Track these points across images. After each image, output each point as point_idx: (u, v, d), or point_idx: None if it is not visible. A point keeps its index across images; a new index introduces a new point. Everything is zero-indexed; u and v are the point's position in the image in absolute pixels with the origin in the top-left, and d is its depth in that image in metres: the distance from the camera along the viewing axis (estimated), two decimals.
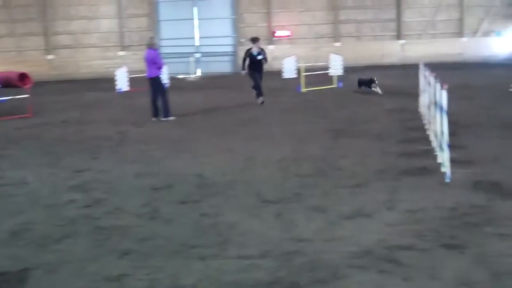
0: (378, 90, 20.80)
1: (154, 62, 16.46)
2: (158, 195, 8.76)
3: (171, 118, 16.49)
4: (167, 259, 6.28)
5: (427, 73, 13.43)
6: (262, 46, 19.42)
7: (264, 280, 5.61)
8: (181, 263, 6.13)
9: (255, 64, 18.63)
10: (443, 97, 9.13)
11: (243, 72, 18.70)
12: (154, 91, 16.53)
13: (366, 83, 21.45)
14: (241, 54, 35.22)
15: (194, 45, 33.47)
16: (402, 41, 35.08)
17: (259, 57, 18.66)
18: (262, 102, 18.66)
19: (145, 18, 33.98)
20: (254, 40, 19.11)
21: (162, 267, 6.06)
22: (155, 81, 16.60)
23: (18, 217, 7.91)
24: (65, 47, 34.74)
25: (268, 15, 34.22)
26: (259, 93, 18.76)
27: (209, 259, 6.22)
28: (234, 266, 5.98)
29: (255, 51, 18.70)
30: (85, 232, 7.25)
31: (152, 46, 16.82)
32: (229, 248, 6.50)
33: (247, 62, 18.57)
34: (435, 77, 11.02)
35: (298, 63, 25.04)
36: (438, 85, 10.04)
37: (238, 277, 5.72)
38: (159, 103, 16.55)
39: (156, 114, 16.57)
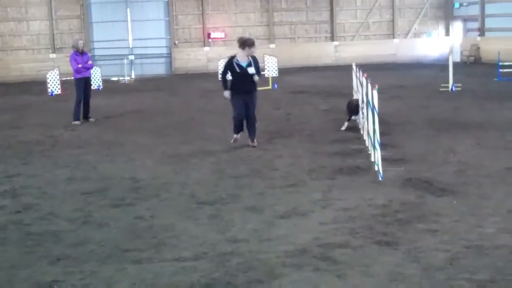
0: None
1: (75, 64, 16.23)
2: (91, 199, 8.61)
3: (75, 122, 16.18)
4: (101, 263, 6.17)
5: (360, 73, 13.66)
6: (255, 53, 12.18)
7: (199, 282, 5.58)
8: (115, 268, 6.04)
9: (243, 81, 11.83)
10: (374, 97, 9.30)
11: (226, 93, 12.01)
12: (77, 93, 16.37)
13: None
14: (177, 56, 35.29)
15: (127, 47, 33.04)
16: (336, 43, 35.51)
17: (251, 70, 11.83)
18: (235, 140, 12.23)
19: (77, 20, 33.30)
20: (245, 43, 11.93)
21: (95, 272, 5.95)
22: (74, 84, 16.42)
23: None
24: None
25: (203, 16, 34.12)
26: (239, 128, 12.21)
27: (144, 262, 6.15)
28: (169, 269, 5.93)
29: (243, 60, 11.90)
30: (15, 239, 7.06)
31: (73, 48, 16.55)
32: (164, 251, 6.44)
33: (229, 77, 12.11)
34: (367, 78, 11.21)
35: None
36: (369, 85, 10.23)
37: (173, 280, 5.68)
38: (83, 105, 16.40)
39: (83, 116, 16.35)
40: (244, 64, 11.86)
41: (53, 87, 24.94)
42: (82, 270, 6.01)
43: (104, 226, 7.38)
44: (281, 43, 34.90)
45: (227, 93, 12.03)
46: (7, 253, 6.61)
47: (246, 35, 34.35)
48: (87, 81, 16.51)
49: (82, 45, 16.54)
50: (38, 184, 9.63)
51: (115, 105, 20.05)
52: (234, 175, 9.76)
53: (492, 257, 5.92)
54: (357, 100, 13.40)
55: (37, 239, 6.98)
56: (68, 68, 25.84)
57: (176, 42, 33.78)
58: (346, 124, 13.55)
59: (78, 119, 16.23)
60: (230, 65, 12.00)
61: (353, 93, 16.40)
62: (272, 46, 34.30)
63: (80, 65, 16.11)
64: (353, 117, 13.45)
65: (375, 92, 9.26)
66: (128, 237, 6.95)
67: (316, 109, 17.33)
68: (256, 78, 11.94)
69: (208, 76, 29.27)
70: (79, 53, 16.29)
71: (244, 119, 12.11)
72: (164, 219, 7.54)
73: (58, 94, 24.33)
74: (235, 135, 12.26)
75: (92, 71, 24.02)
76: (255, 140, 12.13)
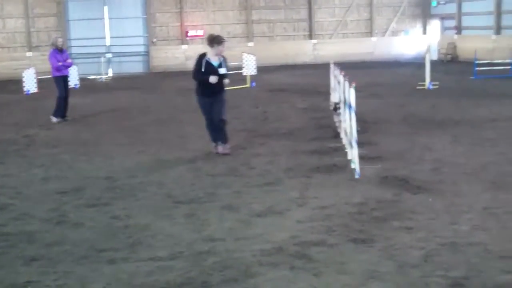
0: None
1: (50, 63, 16.19)
2: (67, 199, 8.53)
3: (54, 120, 16.14)
4: (76, 264, 6.11)
5: (337, 72, 13.69)
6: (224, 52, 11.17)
7: (175, 282, 5.55)
8: (90, 268, 5.99)
9: (212, 84, 10.80)
10: (351, 95, 9.33)
11: (213, 77, 10.80)
12: (57, 91, 16.30)
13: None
14: (154, 54, 35.08)
15: (105, 45, 32.85)
16: (314, 41, 35.62)
17: (222, 70, 10.92)
18: (216, 150, 11.23)
19: (53, 17, 33.04)
20: (213, 40, 10.87)
21: (70, 272, 5.90)
22: (54, 81, 16.31)
23: None
24: None
25: (181, 14, 34.01)
26: (217, 136, 11.25)
27: (119, 262, 6.10)
28: (144, 268, 5.89)
29: (214, 60, 10.92)
30: None
31: (53, 46, 16.44)
32: (139, 250, 6.40)
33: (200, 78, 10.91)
34: (344, 76, 11.25)
35: None
36: (346, 84, 10.26)
37: (148, 279, 5.64)
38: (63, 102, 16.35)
39: (61, 114, 16.31)
40: (215, 63, 10.92)
41: (29, 86, 24.70)
42: (56, 270, 5.95)
43: (80, 226, 7.32)
44: (259, 41, 34.93)
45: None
46: None
47: (224, 34, 34.73)
48: (65, 80, 16.41)
49: (61, 43, 16.41)
50: (13, 184, 9.53)
51: (92, 104, 19.92)
52: (211, 173, 9.73)
53: (466, 254, 5.96)
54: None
55: (12, 240, 6.90)
56: (45, 66, 25.65)
57: (155, 40, 33.64)
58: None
59: (59, 116, 16.19)
60: (201, 62, 10.90)
61: (330, 91, 16.44)
62: (251, 44, 34.32)
63: (60, 63, 16.03)
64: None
65: (352, 90, 9.28)
66: (104, 237, 6.89)
67: (294, 108, 17.35)
68: (226, 81, 11.11)
69: (186, 74, 29.09)
70: (59, 50, 16.19)
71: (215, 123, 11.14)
72: (140, 218, 7.50)
73: (34, 93, 24.11)
74: (213, 144, 11.33)
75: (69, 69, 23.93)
76: (227, 147, 11.14)
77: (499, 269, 5.56)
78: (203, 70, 10.84)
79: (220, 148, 11.14)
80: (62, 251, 6.48)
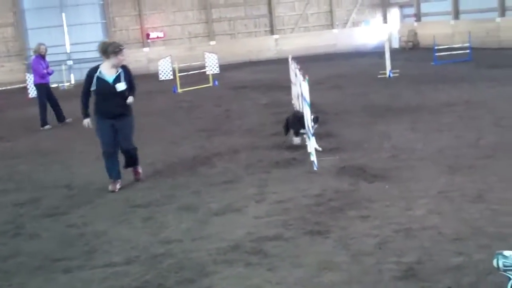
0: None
1: (34, 70, 16.31)
2: (24, 210, 8.42)
3: (46, 127, 16.22)
4: (31, 275, 6.04)
5: (294, 66, 13.72)
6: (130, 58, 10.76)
7: (130, 286, 5.52)
8: (45, 278, 5.93)
9: (110, 102, 8.92)
10: (304, 88, 9.36)
11: (85, 121, 9.27)
12: (39, 99, 16.38)
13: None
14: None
15: (65, 53, 32.49)
16: (276, 36, 35.64)
17: (120, 86, 8.89)
18: (113, 189, 8.99)
19: (10, 27, 32.62)
20: (107, 50, 8.85)
21: (24, 284, 5.84)
22: (37, 89, 16.50)
23: None
24: None
25: (140, 17, 33.79)
26: (111, 170, 9.18)
27: (75, 270, 6.04)
28: (100, 275, 5.85)
29: (110, 73, 8.92)
30: None
31: (35, 53, 16.50)
32: (95, 257, 6.34)
33: (92, 97, 9.08)
34: (300, 69, 11.28)
35: (173, 64, 24.90)
36: (302, 77, 10.29)
37: (103, 285, 5.60)
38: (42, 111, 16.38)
39: (58, 120, 16.58)
40: (110, 78, 8.84)
41: None
42: (11, 283, 5.88)
43: (35, 237, 7.23)
44: (221, 39, 34.87)
45: (86, 121, 9.19)
46: None
47: (185, 34, 34.68)
48: (47, 87, 16.50)
49: (44, 50, 16.41)
50: None
51: (52, 113, 19.65)
52: (171, 175, 9.68)
53: (420, 239, 6.02)
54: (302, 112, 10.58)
55: None
56: (3, 77, 25.25)
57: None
58: (295, 138, 10.94)
59: (46, 124, 16.28)
60: (91, 79, 8.88)
61: (292, 86, 16.46)
62: (212, 43, 34.24)
63: (45, 71, 16.10)
64: (301, 131, 10.66)
65: (305, 84, 9.31)
66: (60, 246, 6.82)
67: (256, 104, 17.35)
68: (130, 99, 9.01)
69: (149, 77, 28.99)
70: (42, 57, 16.21)
71: (118, 152, 9.23)
72: (97, 225, 7.43)
73: None
74: (111, 184, 9.06)
75: (31, 78, 23.73)
76: (139, 171, 9.48)
77: (451, 251, 5.62)
78: (94, 88, 8.89)
79: (118, 185, 9.04)
80: (17, 263, 6.40)
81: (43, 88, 16.30)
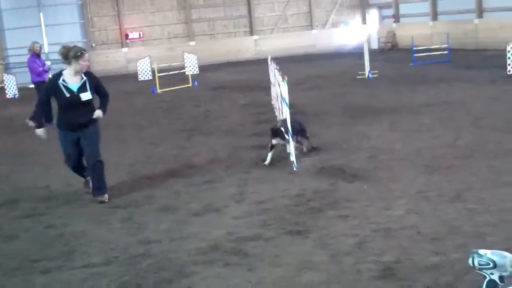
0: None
1: (30, 68, 16.36)
2: (2, 211, 8.34)
3: (31, 124, 15.98)
4: (8, 276, 5.99)
5: (273, 66, 13.74)
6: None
7: (109, 287, 5.49)
8: (23, 279, 5.88)
9: (73, 112, 8.25)
10: (283, 89, 9.38)
11: (39, 131, 8.78)
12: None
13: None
14: (95, 58, 34.40)
15: (43, 53, 32.18)
16: (255, 37, 35.65)
17: (85, 96, 8.23)
18: (102, 201, 8.31)
19: None
20: (67, 54, 8.12)
21: (2, 285, 5.78)
22: (35, 87, 16.46)
23: None
24: None
25: (119, 17, 33.62)
26: (80, 173, 8.90)
27: (54, 271, 6.00)
28: (78, 276, 5.81)
29: (73, 81, 8.21)
30: None
31: (30, 51, 16.49)
32: (74, 258, 6.30)
33: (53, 107, 8.49)
34: (279, 70, 11.30)
35: (153, 65, 24.80)
36: (280, 78, 10.31)
37: (82, 286, 5.57)
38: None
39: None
40: (74, 86, 8.14)
41: None
42: None
43: (14, 238, 7.17)
44: (200, 40, 34.80)
45: (40, 131, 8.63)
46: None
47: (165, 34, 34.56)
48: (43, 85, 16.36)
49: (39, 48, 16.50)
50: None
51: (28, 114, 19.47)
52: (150, 176, 9.65)
53: (398, 238, 6.06)
54: (283, 121, 9.89)
55: None
56: None
57: (93, 44, 33.16)
58: (269, 155, 9.75)
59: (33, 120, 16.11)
60: (53, 87, 8.19)
61: (271, 86, 16.49)
62: (192, 43, 34.15)
63: (41, 68, 16.16)
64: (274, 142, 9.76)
65: (284, 84, 9.33)
66: (38, 247, 6.76)
67: (235, 104, 17.34)
68: (98, 113, 8.35)
69: (128, 77, 28.89)
70: (36, 56, 16.27)
71: (81, 164, 8.65)
72: (76, 226, 7.39)
73: None
74: (83, 180, 8.92)
75: (9, 79, 23.56)
76: (105, 194, 8.37)
77: (429, 251, 5.67)
78: (57, 97, 8.19)
79: (100, 196, 8.39)
80: None
81: (41, 86, 16.27)
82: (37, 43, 16.72)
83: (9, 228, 7.57)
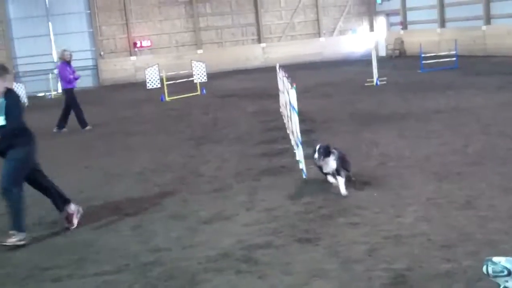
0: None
1: (60, 76, 16.63)
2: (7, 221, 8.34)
3: (87, 127, 16.65)
4: (19, 285, 6.02)
5: (281, 74, 13.75)
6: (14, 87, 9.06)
7: None
8: (35, 287, 5.89)
9: None
10: (292, 96, 9.38)
11: None
12: (65, 103, 16.73)
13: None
14: (103, 67, 34.55)
15: (52, 62, 32.33)
16: (263, 44, 35.73)
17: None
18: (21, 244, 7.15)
19: None
20: None
21: None
22: (65, 94, 16.79)
23: None
24: None
25: (127, 26, 33.75)
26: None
27: (64, 280, 6.02)
28: (90, 284, 5.82)
29: None
30: None
31: (61, 59, 16.81)
32: (85, 266, 6.31)
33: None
34: (287, 77, 11.30)
35: (161, 73, 24.88)
36: (289, 85, 10.31)
37: None
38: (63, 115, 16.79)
39: (83, 124, 16.76)
40: None
41: None
42: None
43: (23, 247, 7.17)
44: (208, 48, 34.89)
45: None
46: None
47: (173, 42, 34.64)
48: (73, 92, 16.77)
49: (69, 56, 16.69)
50: None
51: (39, 121, 19.56)
52: (159, 183, 9.66)
53: (409, 245, 6.04)
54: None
55: None
56: None
57: (102, 53, 33.30)
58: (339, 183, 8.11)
59: (87, 125, 16.74)
60: None
61: (279, 94, 16.51)
62: (200, 51, 34.25)
63: (71, 76, 16.42)
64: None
65: (292, 91, 9.33)
66: (48, 255, 6.78)
67: (244, 112, 17.36)
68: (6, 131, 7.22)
69: (136, 85, 28.98)
70: (67, 63, 16.50)
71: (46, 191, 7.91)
72: (86, 234, 7.40)
73: None
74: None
75: (18, 87, 23.71)
76: (15, 236, 7.13)
77: (440, 258, 5.64)
78: None
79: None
80: (4, 274, 6.37)
81: (72, 92, 16.63)
82: (67, 51, 16.98)
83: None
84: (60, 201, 7.78)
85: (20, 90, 25.60)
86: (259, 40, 35.92)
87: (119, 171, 10.94)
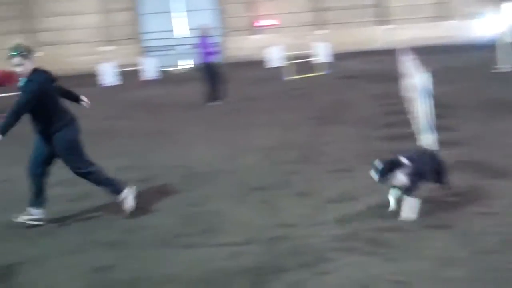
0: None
1: (199, 49, 17.18)
2: (144, 187, 8.76)
3: (217, 103, 17.10)
4: (154, 248, 6.31)
5: (408, 57, 13.48)
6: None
7: (249, 266, 5.65)
8: (168, 252, 6.18)
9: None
10: (427, 80, 9.19)
11: None
12: (205, 77, 17.27)
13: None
14: (228, 45, 35.15)
15: (179, 37, 33.32)
16: (387, 26, 35.13)
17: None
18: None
19: (128, 12, 33.83)
20: None
21: (148, 256, 6.10)
22: (203, 67, 17.32)
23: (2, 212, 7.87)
24: (50, 44, 34.59)
25: (251, 4, 34.14)
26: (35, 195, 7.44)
27: (196, 247, 6.25)
28: (219, 253, 6.01)
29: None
30: (72, 225, 7.29)
31: (202, 34, 17.39)
32: (214, 236, 6.53)
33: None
34: (417, 61, 11.07)
35: (283, 52, 25.04)
36: (420, 69, 10.10)
37: (224, 264, 5.76)
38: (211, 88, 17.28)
39: (210, 99, 17.25)
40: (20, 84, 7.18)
41: (106, 79, 25.44)
42: (135, 255, 6.17)
43: (157, 213, 7.53)
44: (331, 28, 34.70)
45: None
46: (66, 238, 6.85)
47: (294, 23, 34.65)
48: (212, 65, 17.30)
49: (209, 30, 17.54)
50: None
51: (167, 96, 20.32)
52: (284, 161, 9.79)
53: None
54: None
55: (94, 225, 7.20)
56: (121, 59, 26.31)
57: (228, 30, 33.90)
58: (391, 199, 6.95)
59: (216, 99, 17.24)
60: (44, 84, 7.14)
61: (401, 78, 16.20)
62: (323, 31, 34.12)
63: (210, 50, 17.07)
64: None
65: (427, 75, 9.14)
66: (180, 223, 7.07)
67: (366, 94, 17.19)
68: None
69: (258, 64, 29.33)
70: (206, 38, 17.20)
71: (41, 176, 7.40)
72: (215, 205, 7.64)
73: (112, 86, 24.80)
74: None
75: (149, 61, 24.55)
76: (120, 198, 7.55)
77: None
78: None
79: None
80: (140, 237, 6.70)
81: (210, 66, 17.15)
82: (207, 25, 17.54)
83: (152, 203, 7.95)
84: (37, 199, 7.44)
85: (150, 64, 26.63)
86: (382, 22, 35.34)
87: (245, 146, 11.18)
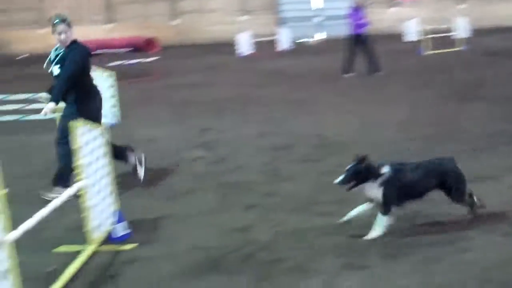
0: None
1: (350, 20, 17.11)
2: (279, 154, 8.98)
3: (379, 73, 17.00)
4: (288, 214, 6.47)
5: None
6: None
7: (387, 238, 5.66)
8: (302, 218, 6.30)
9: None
10: None
11: (49, 106, 6.87)
12: (352, 49, 17.19)
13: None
14: (369, 17, 34.30)
15: (316, 8, 33.26)
16: None
17: (55, 70, 7.19)
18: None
19: None
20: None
21: (284, 220, 6.26)
22: (351, 38, 17.22)
23: (148, 171, 8.29)
24: (189, 12, 35.62)
25: None
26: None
27: (329, 216, 6.29)
28: (354, 223, 6.03)
29: (54, 52, 7.32)
30: (212, 187, 7.59)
31: (357, 5, 17.30)
32: (349, 206, 6.56)
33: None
34: None
35: (421, 26, 24.38)
36: None
37: (359, 234, 5.77)
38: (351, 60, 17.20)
39: (347, 70, 17.20)
40: (52, 57, 7.30)
41: (243, 48, 25.93)
42: (271, 218, 6.35)
43: (291, 180, 7.68)
44: (472, 3, 33.31)
45: (49, 107, 6.87)
46: (206, 199, 7.15)
47: None
48: (362, 37, 17.24)
49: (362, 2, 17.44)
50: (230, 138, 10.22)
51: (301, 66, 20.48)
52: (417, 136, 9.52)
53: None
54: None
55: (230, 188, 7.48)
56: (258, 30, 26.62)
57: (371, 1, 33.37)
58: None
59: (349, 72, 17.16)
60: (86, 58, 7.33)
61: None
62: (463, 6, 32.83)
63: (361, 21, 17.01)
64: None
65: None
66: (313, 191, 7.16)
67: (508, 72, 16.44)
68: (42, 95, 7.55)
69: (394, 37, 28.76)
70: (357, 9, 17.17)
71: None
72: None
73: (248, 55, 25.26)
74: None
75: (285, 31, 24.62)
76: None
77: None
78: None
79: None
80: (275, 202, 6.88)
81: (357, 38, 17.11)
82: None
83: (286, 170, 8.12)
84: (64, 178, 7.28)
85: (285, 35, 26.82)
86: None
87: (380, 120, 11.09)
